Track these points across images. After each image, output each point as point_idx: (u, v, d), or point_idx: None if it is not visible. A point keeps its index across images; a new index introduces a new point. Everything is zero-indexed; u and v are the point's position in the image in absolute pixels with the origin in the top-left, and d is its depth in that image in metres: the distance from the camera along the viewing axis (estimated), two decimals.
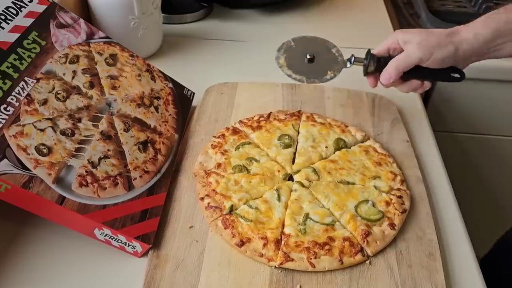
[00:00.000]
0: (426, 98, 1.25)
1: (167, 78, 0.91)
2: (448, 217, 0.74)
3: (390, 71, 0.76)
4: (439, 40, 0.73)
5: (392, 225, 0.69)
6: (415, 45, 0.74)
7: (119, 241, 0.65)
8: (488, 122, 1.32)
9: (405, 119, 0.92)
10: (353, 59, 0.83)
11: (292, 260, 0.64)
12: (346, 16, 1.32)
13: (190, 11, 1.25)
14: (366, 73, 0.83)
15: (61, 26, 0.80)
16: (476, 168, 1.44)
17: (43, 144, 0.65)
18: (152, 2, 1.02)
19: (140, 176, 0.72)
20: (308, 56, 0.85)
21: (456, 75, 0.80)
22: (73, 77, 0.77)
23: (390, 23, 1.27)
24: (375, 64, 0.81)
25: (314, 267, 0.63)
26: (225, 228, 0.67)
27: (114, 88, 0.81)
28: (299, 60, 0.85)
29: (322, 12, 1.33)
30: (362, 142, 0.83)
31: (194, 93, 0.94)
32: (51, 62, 0.75)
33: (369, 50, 0.82)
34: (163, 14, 1.12)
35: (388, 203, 0.71)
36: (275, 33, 1.21)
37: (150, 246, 0.66)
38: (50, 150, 0.66)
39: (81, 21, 0.84)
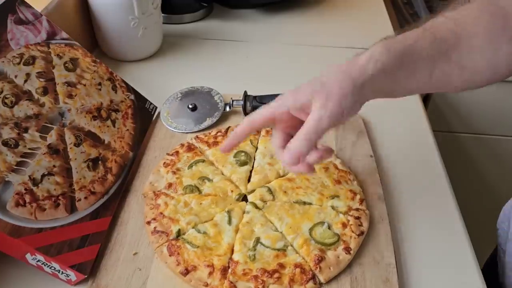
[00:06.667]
0: (426, 98, 1.24)
1: (129, 89, 0.87)
2: (448, 217, 0.73)
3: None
4: None
5: (347, 249, 0.64)
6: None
7: (52, 268, 0.61)
8: (488, 122, 1.32)
9: (405, 119, 0.91)
10: (232, 103, 0.89)
11: None
12: (346, 16, 1.30)
13: (190, 11, 1.25)
14: (245, 113, 0.87)
15: (20, 22, 0.75)
16: (476, 168, 1.43)
17: None
18: (152, 2, 1.02)
19: (85, 197, 0.68)
20: (189, 106, 0.89)
21: None
22: (25, 81, 0.71)
23: (390, 23, 1.25)
24: (251, 104, 0.86)
25: None
26: (170, 255, 0.64)
27: (70, 96, 0.76)
28: (182, 110, 0.89)
29: (322, 12, 1.31)
30: None
31: (156, 107, 0.90)
32: (2, 61, 0.70)
33: (245, 92, 0.88)
34: (163, 14, 1.11)
35: (345, 225, 0.67)
36: (275, 33, 1.21)
37: (86, 276, 0.62)
38: None
39: (43, 18, 0.79)
